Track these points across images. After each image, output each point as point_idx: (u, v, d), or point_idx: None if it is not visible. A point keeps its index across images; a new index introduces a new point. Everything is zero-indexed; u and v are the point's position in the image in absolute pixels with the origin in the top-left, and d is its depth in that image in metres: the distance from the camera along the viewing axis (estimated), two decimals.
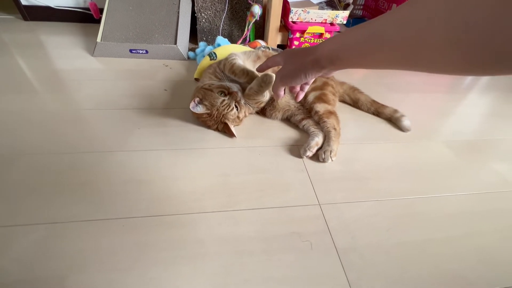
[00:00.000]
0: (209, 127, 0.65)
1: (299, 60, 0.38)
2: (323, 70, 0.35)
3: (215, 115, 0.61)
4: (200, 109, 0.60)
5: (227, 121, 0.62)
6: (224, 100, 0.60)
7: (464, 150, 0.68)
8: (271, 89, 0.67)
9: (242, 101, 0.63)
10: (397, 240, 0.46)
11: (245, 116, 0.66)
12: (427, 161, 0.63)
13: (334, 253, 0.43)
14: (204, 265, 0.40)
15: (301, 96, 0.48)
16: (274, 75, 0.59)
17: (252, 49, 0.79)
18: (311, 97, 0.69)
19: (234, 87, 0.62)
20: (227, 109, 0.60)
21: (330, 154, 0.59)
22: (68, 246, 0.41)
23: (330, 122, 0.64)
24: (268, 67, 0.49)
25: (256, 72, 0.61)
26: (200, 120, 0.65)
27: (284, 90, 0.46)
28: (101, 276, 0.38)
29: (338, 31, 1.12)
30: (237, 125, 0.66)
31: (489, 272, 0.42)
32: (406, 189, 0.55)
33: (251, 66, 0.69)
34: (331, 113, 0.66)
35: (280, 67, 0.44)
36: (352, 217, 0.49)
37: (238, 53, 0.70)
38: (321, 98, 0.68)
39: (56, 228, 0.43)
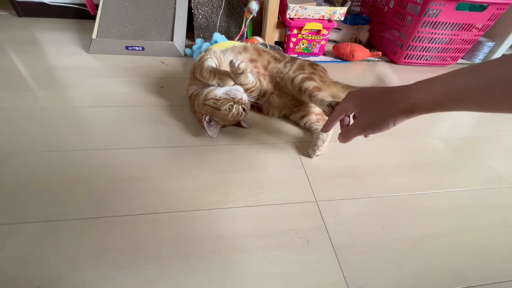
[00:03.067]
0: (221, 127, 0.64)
1: (383, 108, 0.34)
2: (413, 117, 0.33)
3: (227, 124, 0.61)
4: (216, 130, 0.59)
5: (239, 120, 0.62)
6: (233, 112, 0.58)
7: (460, 146, 0.68)
8: (258, 77, 0.65)
9: (247, 100, 0.61)
10: (393, 236, 0.46)
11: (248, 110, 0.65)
12: (423, 158, 0.63)
13: (331, 249, 0.43)
14: (200, 262, 0.40)
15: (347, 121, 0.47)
16: (236, 61, 0.55)
17: (242, 43, 0.75)
18: (299, 77, 0.64)
19: (238, 94, 0.58)
20: (238, 116, 0.60)
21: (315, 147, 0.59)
22: (63, 244, 0.40)
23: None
24: (335, 120, 0.46)
25: (223, 70, 0.59)
26: None
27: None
28: (97, 274, 0.38)
29: (336, 28, 1.12)
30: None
31: (484, 267, 0.43)
32: (402, 186, 0.55)
33: (232, 58, 0.65)
34: (320, 88, 0.62)
35: (350, 113, 0.40)
36: (349, 213, 0.49)
37: (214, 50, 0.66)
38: (309, 78, 0.64)
39: (51, 226, 0.42)
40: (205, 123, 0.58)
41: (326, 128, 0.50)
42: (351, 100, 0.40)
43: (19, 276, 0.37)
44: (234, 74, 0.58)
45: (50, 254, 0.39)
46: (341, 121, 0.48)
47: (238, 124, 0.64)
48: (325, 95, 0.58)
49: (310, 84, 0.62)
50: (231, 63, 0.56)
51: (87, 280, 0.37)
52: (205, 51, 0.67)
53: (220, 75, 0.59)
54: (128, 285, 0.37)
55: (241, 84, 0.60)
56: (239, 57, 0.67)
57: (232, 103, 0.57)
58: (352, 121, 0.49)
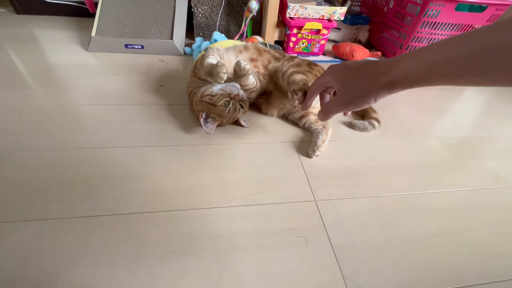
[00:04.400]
0: (219, 126, 0.64)
1: (366, 81, 0.32)
2: (396, 92, 0.31)
3: (225, 121, 0.60)
4: (212, 126, 0.58)
5: (238, 118, 0.62)
6: (230, 108, 0.58)
7: (458, 146, 0.68)
8: (258, 77, 0.65)
9: (245, 96, 0.61)
10: (391, 235, 0.46)
11: (247, 108, 0.65)
12: (422, 158, 0.63)
13: (329, 248, 0.43)
14: (198, 261, 0.40)
15: (348, 113, 0.45)
16: (242, 62, 0.55)
17: (242, 43, 0.75)
18: (289, 71, 0.63)
19: (234, 90, 0.59)
20: (235, 113, 0.59)
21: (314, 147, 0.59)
22: (61, 242, 0.40)
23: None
24: (314, 94, 0.43)
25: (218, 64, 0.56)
26: None
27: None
28: (94, 272, 0.38)
29: (336, 28, 1.12)
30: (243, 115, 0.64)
31: (481, 266, 0.43)
32: (401, 185, 0.55)
33: (234, 58, 0.66)
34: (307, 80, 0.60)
35: (329, 87, 0.38)
36: (347, 213, 0.49)
37: (217, 47, 0.66)
38: (298, 72, 0.62)
39: (48, 224, 0.42)
40: (201, 120, 0.57)
41: (305, 104, 0.47)
42: (332, 74, 0.37)
43: (18, 274, 0.37)
44: (236, 74, 0.58)
45: (48, 252, 0.39)
46: (321, 99, 0.45)
47: (237, 123, 0.64)
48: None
49: (297, 77, 0.59)
50: (238, 63, 0.56)
51: (85, 278, 0.37)
52: (205, 49, 0.67)
53: (212, 73, 0.57)
54: (126, 283, 0.37)
55: (241, 85, 0.60)
56: (239, 56, 0.67)
57: (228, 98, 0.57)
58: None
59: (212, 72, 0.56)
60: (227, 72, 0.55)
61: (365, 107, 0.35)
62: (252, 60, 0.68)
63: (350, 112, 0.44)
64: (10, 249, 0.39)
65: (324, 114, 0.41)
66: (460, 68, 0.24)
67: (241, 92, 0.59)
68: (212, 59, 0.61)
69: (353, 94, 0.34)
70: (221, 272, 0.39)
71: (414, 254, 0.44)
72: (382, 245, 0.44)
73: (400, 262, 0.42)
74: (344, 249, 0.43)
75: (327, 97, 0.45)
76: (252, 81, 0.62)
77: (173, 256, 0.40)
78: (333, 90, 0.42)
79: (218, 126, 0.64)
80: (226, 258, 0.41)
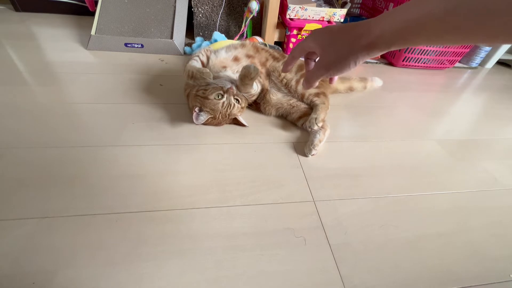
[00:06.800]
0: (216, 125, 0.65)
1: (345, 44, 0.31)
2: (374, 54, 0.30)
3: (220, 117, 0.60)
4: (203, 118, 0.59)
5: (235, 116, 0.62)
6: (223, 101, 0.58)
7: (456, 149, 0.68)
8: (259, 80, 0.65)
9: (239, 92, 0.61)
10: (389, 236, 0.46)
11: (245, 106, 0.65)
12: (420, 160, 0.64)
13: (327, 248, 0.43)
14: (196, 260, 0.40)
15: (335, 80, 0.43)
16: (252, 67, 0.56)
17: (236, 42, 0.75)
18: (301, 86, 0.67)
19: (227, 83, 0.59)
20: (230, 108, 0.59)
21: (316, 121, 0.60)
22: (58, 241, 0.40)
23: (319, 99, 0.65)
24: (295, 58, 0.42)
25: (202, 70, 0.59)
26: (205, 124, 0.64)
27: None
28: (92, 271, 0.37)
29: None
30: (241, 113, 0.64)
31: (478, 267, 0.43)
32: (399, 187, 0.56)
33: (226, 54, 0.67)
34: (319, 93, 0.66)
35: (312, 52, 0.37)
36: (346, 213, 0.49)
37: (206, 48, 0.68)
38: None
39: (46, 222, 0.42)
40: (194, 114, 0.58)
41: (285, 67, 0.45)
42: (314, 39, 0.36)
43: (15, 272, 0.36)
44: (241, 81, 0.58)
45: (45, 250, 0.39)
46: (306, 66, 0.44)
47: (236, 121, 0.64)
48: (321, 107, 0.63)
49: (312, 91, 0.66)
50: (247, 67, 0.56)
51: (82, 277, 0.37)
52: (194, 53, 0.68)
53: (196, 77, 0.59)
54: (123, 282, 0.37)
55: (242, 92, 0.60)
56: (234, 52, 0.67)
57: (221, 92, 0.57)
58: None
59: (196, 75, 0.58)
60: (211, 78, 0.58)
61: (346, 71, 0.34)
62: (248, 56, 0.68)
63: (336, 78, 0.43)
64: (7, 247, 0.39)
65: (307, 81, 0.40)
66: (435, 25, 0.24)
67: (234, 87, 0.60)
68: (195, 62, 0.62)
69: (333, 58, 0.33)
70: (219, 272, 0.39)
71: (412, 255, 0.44)
72: (380, 246, 0.45)
73: (398, 262, 0.43)
74: (342, 249, 0.43)
75: (312, 64, 0.43)
76: (255, 87, 0.62)
77: (171, 255, 0.40)
78: (317, 57, 0.40)
79: (215, 125, 0.64)
80: (224, 257, 0.41)
